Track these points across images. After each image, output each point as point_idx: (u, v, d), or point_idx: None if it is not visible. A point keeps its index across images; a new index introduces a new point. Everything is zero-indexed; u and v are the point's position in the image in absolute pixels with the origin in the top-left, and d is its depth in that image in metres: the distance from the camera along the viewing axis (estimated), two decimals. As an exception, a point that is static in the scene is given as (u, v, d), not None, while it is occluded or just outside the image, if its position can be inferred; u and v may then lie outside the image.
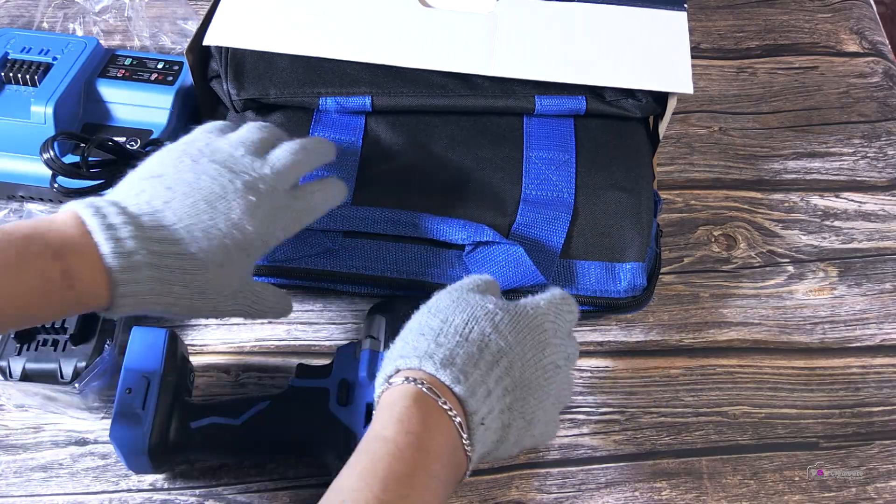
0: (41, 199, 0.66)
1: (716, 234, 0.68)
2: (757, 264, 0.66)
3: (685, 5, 0.64)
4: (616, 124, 0.62)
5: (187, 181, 0.47)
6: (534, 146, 0.61)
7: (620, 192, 0.59)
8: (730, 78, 0.80)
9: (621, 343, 0.61)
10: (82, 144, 0.59)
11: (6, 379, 0.53)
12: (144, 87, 0.67)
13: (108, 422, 0.49)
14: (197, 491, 0.53)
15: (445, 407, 0.40)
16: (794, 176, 0.72)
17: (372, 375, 0.51)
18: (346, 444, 0.49)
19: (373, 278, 0.57)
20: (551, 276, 0.57)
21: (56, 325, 0.54)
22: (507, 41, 0.61)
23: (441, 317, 0.44)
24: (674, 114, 0.76)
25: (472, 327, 0.44)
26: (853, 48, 0.84)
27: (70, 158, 0.62)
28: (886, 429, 0.57)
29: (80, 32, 0.78)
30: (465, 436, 0.41)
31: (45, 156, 0.58)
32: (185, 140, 0.51)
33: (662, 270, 0.65)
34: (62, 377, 0.53)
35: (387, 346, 0.52)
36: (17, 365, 0.53)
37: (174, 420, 0.49)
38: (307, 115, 0.61)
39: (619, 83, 0.60)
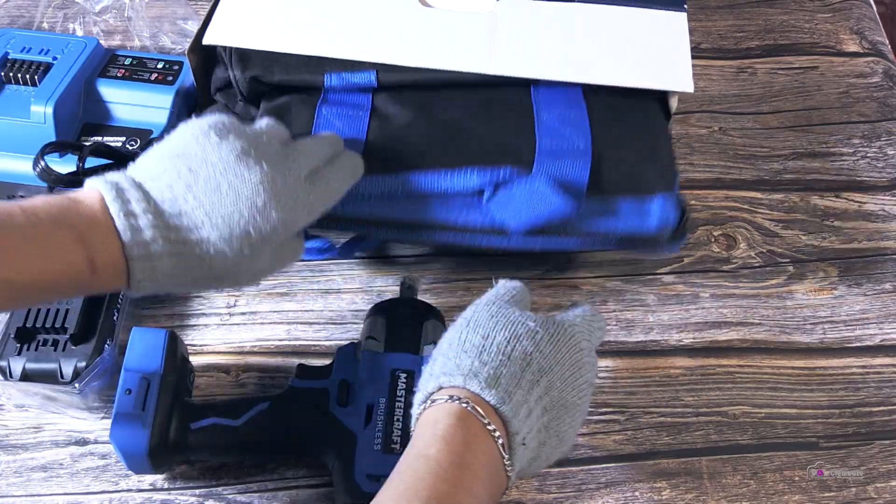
0: (41, 199, 0.66)
1: (716, 234, 0.68)
2: (757, 264, 0.66)
3: (685, 6, 0.64)
4: (623, 89, 0.61)
5: (212, 163, 0.45)
6: (543, 109, 0.60)
7: (637, 136, 0.59)
8: (730, 78, 0.80)
9: (621, 343, 0.61)
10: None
11: (6, 379, 0.53)
12: (144, 86, 0.67)
13: (108, 422, 0.49)
14: (197, 491, 0.53)
15: (490, 427, 0.40)
16: (794, 176, 0.72)
17: (371, 376, 0.51)
18: (346, 444, 0.49)
19: (390, 222, 0.57)
20: (580, 208, 0.56)
21: (56, 325, 0.54)
22: (506, 40, 0.61)
23: (482, 332, 0.44)
24: (674, 114, 0.76)
25: (514, 346, 0.43)
26: (853, 48, 0.84)
27: (67, 163, 0.61)
28: (886, 429, 0.57)
29: (80, 32, 0.78)
30: (506, 456, 0.41)
31: (38, 168, 0.57)
32: (209, 119, 0.49)
33: (662, 270, 0.65)
34: (62, 377, 0.53)
35: (387, 347, 0.52)
36: (17, 365, 0.53)
37: (174, 420, 0.49)
38: (314, 96, 0.60)
39: (619, 82, 0.60)
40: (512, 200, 0.56)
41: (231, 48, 0.60)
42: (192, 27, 0.78)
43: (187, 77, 0.67)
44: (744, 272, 0.65)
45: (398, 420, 0.49)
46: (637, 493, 0.54)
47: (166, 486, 0.53)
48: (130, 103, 0.67)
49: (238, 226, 0.45)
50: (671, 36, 0.63)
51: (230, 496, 0.52)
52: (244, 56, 0.60)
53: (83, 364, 0.53)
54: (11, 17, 0.81)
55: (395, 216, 0.57)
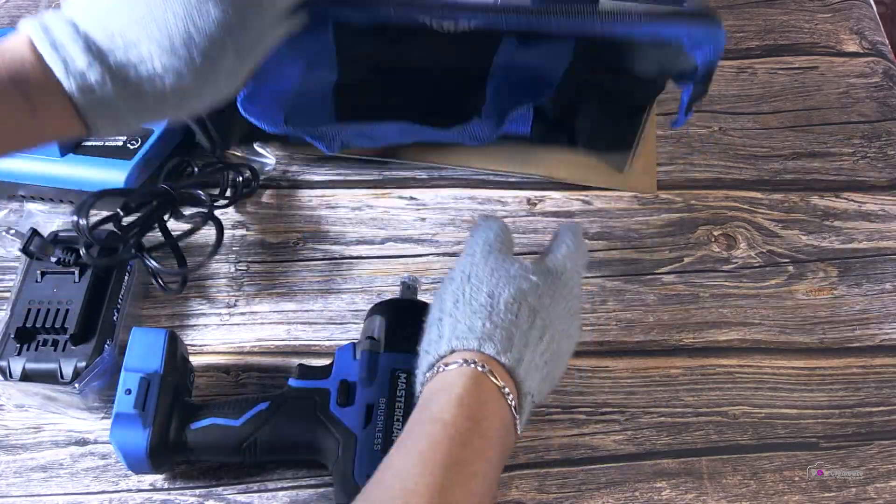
0: (42, 199, 0.66)
1: (716, 233, 0.68)
2: (757, 264, 0.66)
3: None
4: None
5: None
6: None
7: None
8: (730, 78, 0.80)
9: (621, 343, 0.61)
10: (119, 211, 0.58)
11: (6, 379, 0.53)
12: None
13: (108, 422, 0.49)
14: (197, 491, 0.53)
15: (505, 391, 0.41)
16: (794, 176, 0.72)
17: (371, 376, 0.51)
18: (346, 444, 0.49)
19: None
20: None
21: (56, 325, 0.54)
22: None
23: (486, 290, 0.44)
24: (674, 114, 0.76)
25: (521, 304, 0.44)
26: (853, 48, 0.84)
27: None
28: (886, 429, 0.57)
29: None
30: (518, 417, 0.41)
31: (81, 222, 0.55)
32: None
33: (662, 270, 0.65)
34: (62, 377, 0.53)
35: (387, 347, 0.52)
36: (17, 365, 0.53)
37: (174, 420, 0.49)
38: None
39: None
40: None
41: None
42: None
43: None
44: (744, 272, 0.65)
45: (398, 420, 0.49)
46: (637, 493, 0.54)
47: (166, 486, 0.53)
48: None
49: (176, 30, 0.38)
50: None
51: (230, 496, 0.52)
52: None
53: (83, 364, 0.53)
54: (11, 17, 0.81)
55: None
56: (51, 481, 0.53)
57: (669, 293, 0.64)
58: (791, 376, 0.60)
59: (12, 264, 0.63)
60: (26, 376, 0.53)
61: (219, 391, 0.57)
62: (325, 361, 0.54)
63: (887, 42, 0.86)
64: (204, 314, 0.61)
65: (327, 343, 0.60)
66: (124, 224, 0.58)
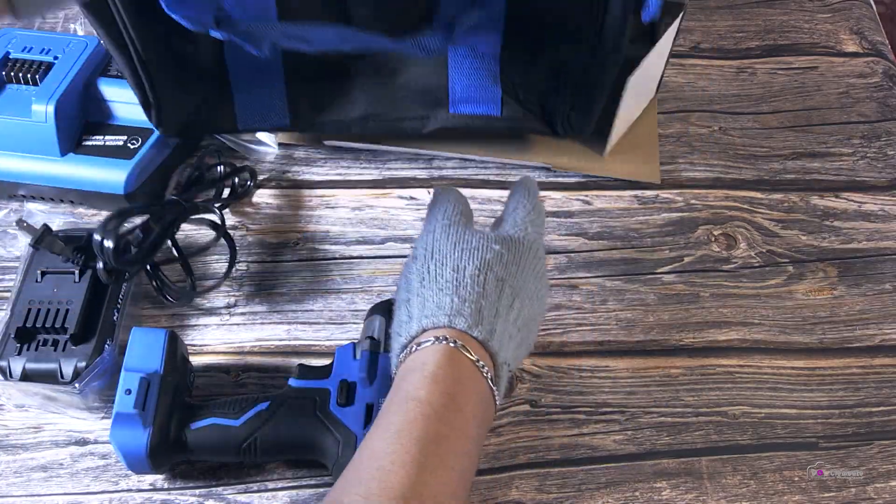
0: (42, 199, 0.66)
1: (716, 233, 0.68)
2: (757, 264, 0.66)
3: None
4: None
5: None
6: None
7: None
8: (730, 78, 0.80)
9: (621, 343, 0.61)
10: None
11: (6, 379, 0.53)
12: (144, 86, 0.67)
13: (108, 422, 0.49)
14: (197, 491, 0.53)
15: (480, 364, 0.40)
16: (794, 176, 0.72)
17: (371, 376, 0.51)
18: (346, 444, 0.49)
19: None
20: None
21: (56, 325, 0.54)
22: None
23: (450, 265, 0.44)
24: (674, 113, 0.76)
25: (487, 275, 0.43)
26: (853, 48, 0.84)
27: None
28: (886, 429, 0.57)
29: (80, 32, 0.78)
30: (495, 388, 0.41)
31: (107, 244, 0.54)
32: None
33: (662, 270, 0.65)
34: (62, 377, 0.53)
35: (387, 347, 0.52)
36: (17, 365, 0.53)
37: (174, 420, 0.50)
38: None
39: None
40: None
41: None
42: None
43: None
44: (744, 272, 0.65)
45: (398, 420, 0.49)
46: (637, 493, 0.54)
47: (166, 486, 0.53)
48: (132, 102, 0.66)
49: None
50: None
51: (230, 496, 0.52)
52: None
53: (83, 364, 0.53)
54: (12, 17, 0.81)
55: None
56: (51, 481, 0.53)
57: (669, 293, 0.64)
58: (791, 376, 0.60)
59: (12, 264, 0.63)
60: (26, 376, 0.53)
61: (219, 391, 0.57)
62: (325, 361, 0.54)
63: (887, 42, 0.86)
64: (204, 314, 0.61)
65: (327, 343, 0.60)
66: (138, 237, 0.58)
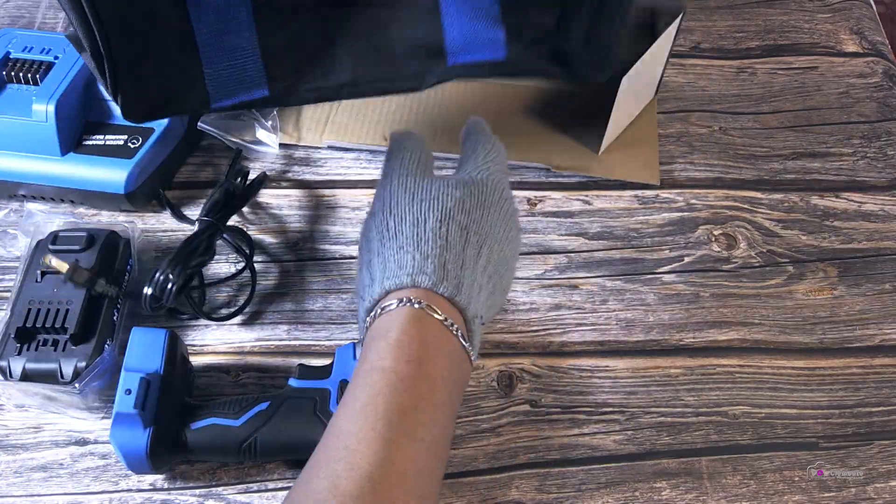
0: (42, 198, 0.66)
1: (716, 233, 0.68)
2: (757, 264, 0.66)
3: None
4: None
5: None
6: None
7: None
8: (730, 78, 0.80)
9: (621, 343, 0.61)
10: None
11: (6, 379, 0.53)
12: (145, 86, 0.67)
13: (108, 422, 0.49)
14: (197, 491, 0.53)
15: (447, 322, 0.38)
16: (794, 176, 0.72)
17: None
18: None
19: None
20: None
21: (56, 325, 0.54)
22: None
23: (410, 219, 0.41)
24: (674, 113, 0.76)
25: (449, 225, 0.41)
26: (853, 48, 0.84)
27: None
28: (886, 429, 0.57)
29: (80, 32, 0.78)
30: (467, 344, 0.39)
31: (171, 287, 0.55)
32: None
33: (662, 270, 0.65)
34: (62, 377, 0.53)
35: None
36: (17, 365, 0.53)
37: (174, 420, 0.50)
38: None
39: None
40: None
41: None
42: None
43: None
44: (744, 272, 0.65)
45: (398, 420, 0.49)
46: (637, 493, 0.54)
47: (166, 486, 0.53)
48: (131, 103, 0.66)
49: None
50: None
51: (230, 496, 0.52)
52: None
53: (83, 364, 0.53)
54: (12, 17, 0.81)
55: None
56: (51, 481, 0.53)
57: (669, 293, 0.64)
58: (791, 376, 0.60)
59: (12, 264, 0.63)
60: (26, 376, 0.53)
61: (219, 391, 0.57)
62: (325, 361, 0.54)
63: (887, 42, 0.86)
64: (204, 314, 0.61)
65: (327, 343, 0.60)
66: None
